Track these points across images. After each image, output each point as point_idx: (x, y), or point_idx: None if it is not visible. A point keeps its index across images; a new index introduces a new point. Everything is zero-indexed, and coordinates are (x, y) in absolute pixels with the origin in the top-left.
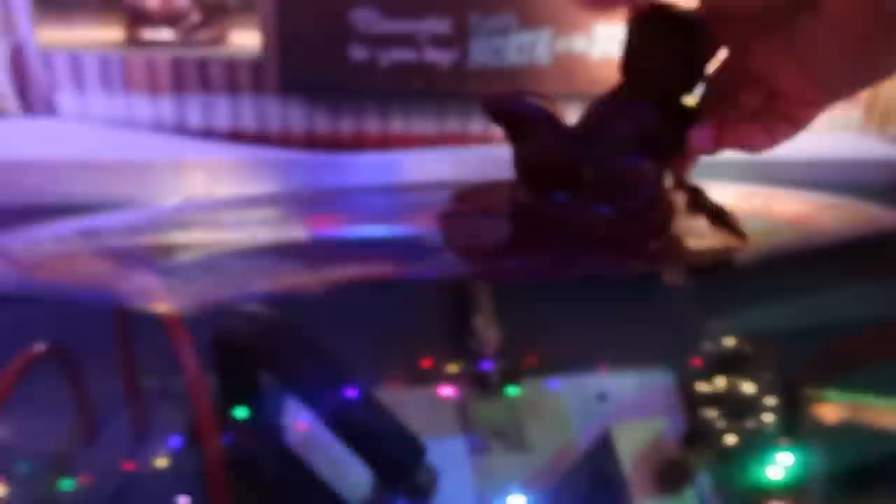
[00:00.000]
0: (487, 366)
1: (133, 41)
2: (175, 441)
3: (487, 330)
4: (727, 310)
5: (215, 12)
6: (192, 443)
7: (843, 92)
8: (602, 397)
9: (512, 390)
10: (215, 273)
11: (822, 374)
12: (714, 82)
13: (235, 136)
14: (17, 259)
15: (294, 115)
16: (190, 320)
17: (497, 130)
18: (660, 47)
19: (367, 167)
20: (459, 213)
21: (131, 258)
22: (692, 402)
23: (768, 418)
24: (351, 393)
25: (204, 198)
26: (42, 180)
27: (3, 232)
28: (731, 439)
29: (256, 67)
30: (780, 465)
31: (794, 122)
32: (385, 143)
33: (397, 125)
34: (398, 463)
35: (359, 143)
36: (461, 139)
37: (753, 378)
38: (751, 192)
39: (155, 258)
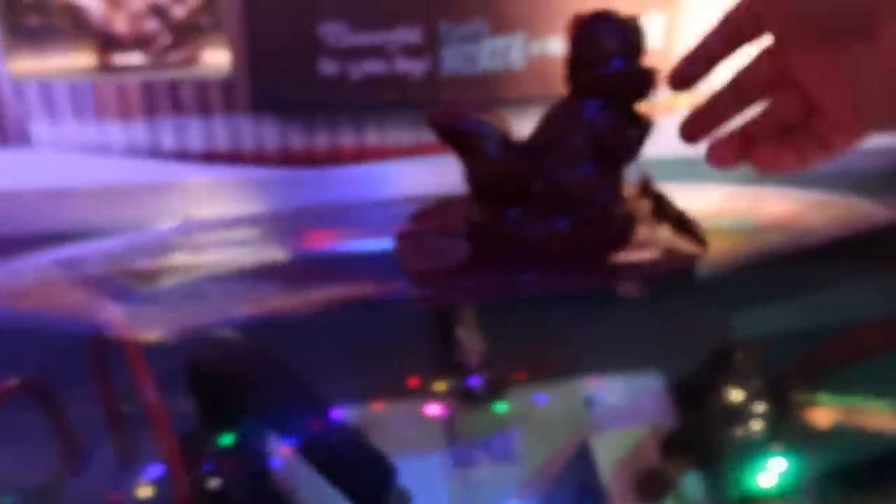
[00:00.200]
0: (475, 382)
1: (105, 67)
2: (155, 470)
3: (471, 340)
4: (716, 313)
5: (187, 32)
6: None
7: (884, 126)
8: (589, 403)
9: (500, 406)
10: (195, 299)
11: (810, 374)
12: (743, 81)
13: (210, 157)
14: None
15: (267, 133)
16: (168, 348)
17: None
18: (606, 53)
19: (345, 181)
20: (414, 234)
21: (109, 287)
22: (681, 408)
23: (758, 424)
24: (321, 419)
25: (182, 222)
26: (19, 211)
27: None
28: (720, 446)
29: (227, 87)
30: (772, 472)
31: (828, 146)
32: (361, 156)
33: (372, 137)
34: (368, 488)
35: (334, 158)
36: (439, 148)
37: (742, 383)
38: (738, 194)
39: (134, 286)
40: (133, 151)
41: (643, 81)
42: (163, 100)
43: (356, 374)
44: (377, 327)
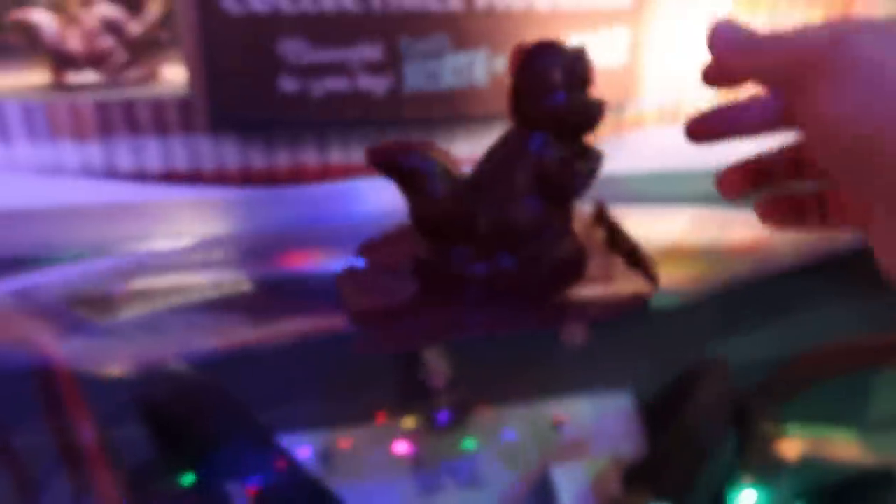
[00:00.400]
0: (444, 418)
1: (59, 86)
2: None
3: (438, 362)
4: (686, 339)
5: (145, 49)
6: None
7: None
8: (556, 427)
9: (468, 442)
10: (152, 332)
11: (773, 397)
12: (792, 153)
13: (168, 177)
14: None
15: (227, 152)
16: (122, 383)
17: None
18: (550, 85)
19: (308, 200)
20: (359, 272)
21: (64, 318)
22: (645, 436)
23: (726, 454)
24: (271, 456)
25: (141, 250)
26: None
27: None
28: (684, 476)
29: (185, 105)
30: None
31: (846, 228)
32: (325, 174)
33: (336, 156)
34: None
35: (297, 176)
36: None
37: (707, 411)
38: (706, 218)
39: (89, 317)
40: (88, 172)
41: (590, 113)
42: (118, 119)
43: (320, 404)
44: (337, 358)
